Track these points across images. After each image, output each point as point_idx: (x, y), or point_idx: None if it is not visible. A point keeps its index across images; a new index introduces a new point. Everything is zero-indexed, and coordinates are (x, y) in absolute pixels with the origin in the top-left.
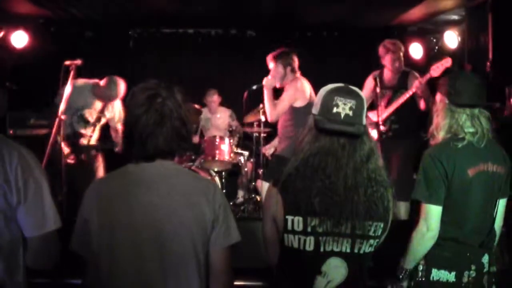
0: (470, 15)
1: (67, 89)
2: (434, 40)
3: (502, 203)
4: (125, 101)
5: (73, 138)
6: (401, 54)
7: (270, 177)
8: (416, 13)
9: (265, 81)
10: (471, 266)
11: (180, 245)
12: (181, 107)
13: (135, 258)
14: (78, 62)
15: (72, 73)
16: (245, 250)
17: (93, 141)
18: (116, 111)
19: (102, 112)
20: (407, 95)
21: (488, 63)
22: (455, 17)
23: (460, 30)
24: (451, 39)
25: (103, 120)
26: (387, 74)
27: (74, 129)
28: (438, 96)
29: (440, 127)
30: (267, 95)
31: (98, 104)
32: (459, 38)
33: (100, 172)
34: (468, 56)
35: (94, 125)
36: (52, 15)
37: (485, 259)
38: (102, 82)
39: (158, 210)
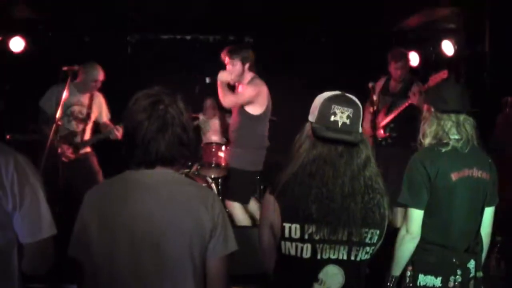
0: (468, 23)
1: (64, 94)
2: (431, 48)
3: (489, 211)
4: (127, 106)
5: (68, 138)
6: (406, 63)
7: (239, 196)
8: (414, 21)
9: (220, 75)
10: (457, 271)
11: (178, 252)
12: (183, 114)
13: (134, 264)
14: (76, 67)
15: (69, 79)
16: (240, 257)
17: (87, 138)
18: (102, 107)
19: (90, 107)
20: (405, 104)
21: (485, 72)
22: (453, 25)
23: (457, 38)
24: (448, 47)
25: (92, 117)
26: (392, 81)
27: (67, 128)
28: (425, 106)
29: (426, 134)
30: (220, 86)
31: (85, 100)
32: (456, 46)
33: (100, 177)
34: (465, 64)
35: (85, 121)
36: (50, 20)
37: (471, 264)
38: (79, 76)
39: (158, 217)
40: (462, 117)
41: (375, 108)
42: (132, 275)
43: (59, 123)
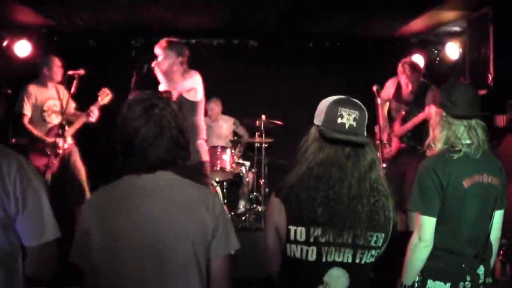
0: (472, 26)
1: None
2: (436, 52)
3: (498, 215)
4: (121, 112)
5: (54, 131)
6: (418, 77)
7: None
8: (417, 24)
9: (154, 63)
10: (466, 277)
11: (182, 255)
12: (178, 116)
13: (137, 269)
14: (81, 72)
15: (75, 83)
16: (246, 260)
17: (67, 128)
18: (66, 96)
19: (60, 99)
20: (422, 116)
21: (489, 75)
22: (457, 28)
23: (461, 42)
24: (453, 50)
25: (65, 107)
26: (405, 87)
27: (48, 123)
28: (434, 109)
29: (437, 139)
30: (160, 72)
31: (53, 93)
32: (461, 50)
33: (82, 174)
34: (469, 67)
35: (62, 113)
36: (55, 24)
37: (481, 270)
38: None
39: (159, 221)
40: (474, 121)
41: (380, 112)
42: (136, 282)
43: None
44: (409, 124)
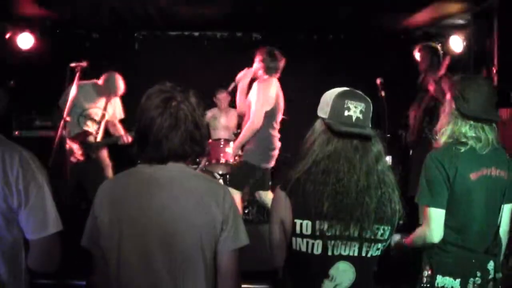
0: (476, 19)
1: (72, 91)
2: (440, 45)
3: (507, 209)
4: (140, 102)
5: (81, 137)
6: (424, 56)
7: (238, 184)
8: (421, 17)
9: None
10: (476, 272)
11: (188, 247)
12: (196, 111)
13: (143, 258)
14: (84, 64)
15: (77, 75)
16: (249, 253)
17: (99, 139)
18: (116, 106)
19: (105, 109)
20: (427, 99)
21: (493, 68)
22: (461, 21)
23: (465, 35)
24: (457, 43)
25: (106, 117)
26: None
27: (81, 128)
28: (448, 96)
29: (443, 132)
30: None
31: (101, 102)
32: (465, 43)
33: (109, 170)
34: (473, 60)
35: (99, 122)
36: (58, 17)
37: (491, 265)
38: (100, 80)
39: (168, 211)
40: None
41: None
42: (142, 269)
43: (68, 119)
44: (418, 109)
